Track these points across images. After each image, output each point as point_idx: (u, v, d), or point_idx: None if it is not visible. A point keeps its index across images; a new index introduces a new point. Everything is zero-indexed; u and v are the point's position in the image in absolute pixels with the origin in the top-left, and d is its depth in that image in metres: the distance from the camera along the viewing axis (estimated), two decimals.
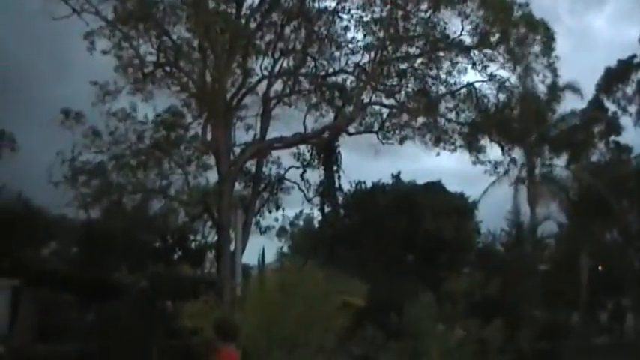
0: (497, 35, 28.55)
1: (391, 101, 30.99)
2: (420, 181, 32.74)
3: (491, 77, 29.99)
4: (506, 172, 33.60)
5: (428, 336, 12.16)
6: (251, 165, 31.48)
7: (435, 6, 28.08)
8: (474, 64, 29.81)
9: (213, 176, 29.93)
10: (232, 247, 25.41)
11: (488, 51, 29.32)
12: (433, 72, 30.10)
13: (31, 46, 37.36)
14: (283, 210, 34.46)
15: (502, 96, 30.78)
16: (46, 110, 29.10)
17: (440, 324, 14.71)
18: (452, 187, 35.13)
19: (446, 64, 29.99)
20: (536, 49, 29.45)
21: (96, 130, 28.82)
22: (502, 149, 32.64)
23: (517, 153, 34.27)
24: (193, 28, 26.51)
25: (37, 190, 31.17)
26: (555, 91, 32.28)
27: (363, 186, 33.40)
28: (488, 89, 30.73)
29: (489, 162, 32.16)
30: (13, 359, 15.29)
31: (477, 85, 30.69)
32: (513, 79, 30.76)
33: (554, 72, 30.40)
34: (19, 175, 32.23)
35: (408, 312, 16.18)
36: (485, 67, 29.82)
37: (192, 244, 35.59)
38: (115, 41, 26.57)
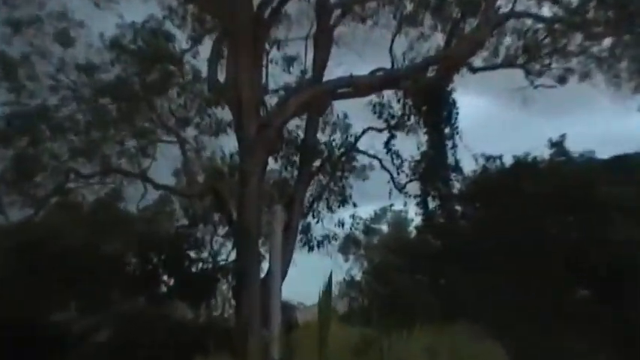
0: None
1: (553, 9, 19.98)
2: (603, 154, 20.72)
3: None
4: None
5: None
6: (297, 126, 21.36)
7: None
8: None
9: (229, 144, 20.87)
10: (264, 272, 16.81)
11: None
12: None
13: None
14: (355, 205, 23.50)
15: None
16: None
17: None
18: None
19: None
20: None
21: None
22: None
23: None
24: None
25: None
26: None
27: (498, 162, 21.67)
28: None
29: None
30: None
31: None
32: None
33: None
34: None
35: None
36: None
37: (193, 266, 23.41)
38: None
